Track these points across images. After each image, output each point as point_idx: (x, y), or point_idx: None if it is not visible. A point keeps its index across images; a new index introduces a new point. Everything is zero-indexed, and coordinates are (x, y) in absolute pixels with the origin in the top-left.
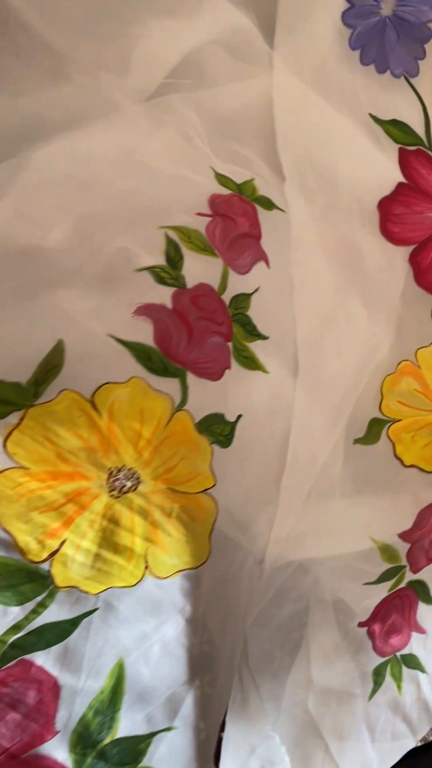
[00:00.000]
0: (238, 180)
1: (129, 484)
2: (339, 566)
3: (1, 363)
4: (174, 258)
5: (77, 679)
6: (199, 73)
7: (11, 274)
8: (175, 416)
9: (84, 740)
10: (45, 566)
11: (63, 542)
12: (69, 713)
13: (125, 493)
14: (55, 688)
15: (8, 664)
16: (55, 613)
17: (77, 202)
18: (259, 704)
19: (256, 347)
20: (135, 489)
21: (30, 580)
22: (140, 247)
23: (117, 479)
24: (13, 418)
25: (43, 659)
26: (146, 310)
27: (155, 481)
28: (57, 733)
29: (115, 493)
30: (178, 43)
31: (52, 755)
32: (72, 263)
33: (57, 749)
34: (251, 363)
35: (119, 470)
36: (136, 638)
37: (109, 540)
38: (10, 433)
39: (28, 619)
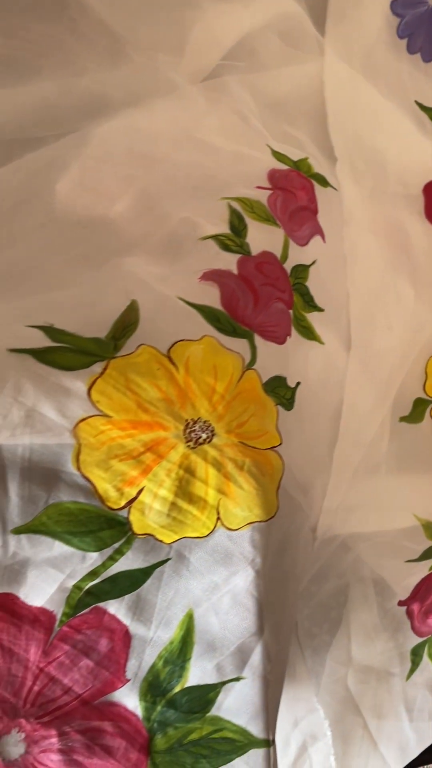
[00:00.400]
0: (294, 158)
1: (204, 435)
2: (382, 542)
3: (77, 321)
4: (238, 227)
5: (147, 629)
6: (252, 56)
7: (78, 242)
8: (246, 374)
9: (154, 689)
10: (123, 513)
11: (140, 490)
12: (139, 662)
13: (200, 444)
14: (126, 637)
15: (83, 611)
16: (129, 561)
17: (139, 175)
18: (306, 675)
19: (312, 318)
20: (209, 441)
21: (109, 526)
22: (203, 217)
23: (193, 430)
24: (97, 367)
25: (116, 608)
26: (213, 275)
27: (228, 435)
28: (127, 681)
29: (191, 443)
30: (233, 27)
31: (122, 702)
32: (136, 233)
33: (127, 697)
34: (308, 333)
35: (195, 422)
36: (206, 589)
37: (184, 489)
38: (94, 382)
39: (105, 565)
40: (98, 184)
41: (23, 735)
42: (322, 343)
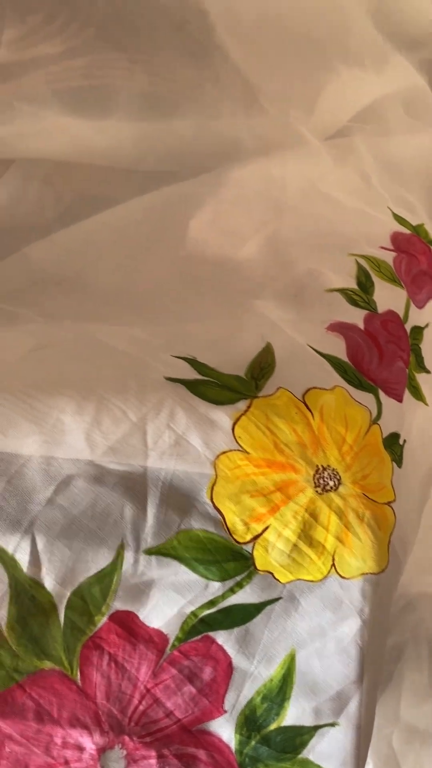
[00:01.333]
0: (413, 222)
1: (332, 483)
2: None
3: (215, 356)
4: (365, 284)
5: (250, 663)
6: (378, 121)
7: (207, 277)
8: (371, 428)
9: (250, 723)
10: (247, 548)
11: (266, 528)
12: (237, 695)
13: (327, 491)
14: (229, 668)
15: (194, 638)
16: (246, 595)
17: (269, 221)
18: None
19: (420, 379)
20: (336, 489)
21: (234, 558)
22: (330, 269)
23: (322, 477)
24: (242, 404)
25: (224, 639)
26: (340, 328)
27: (353, 486)
28: (224, 712)
29: (319, 489)
30: (364, 92)
31: (217, 732)
32: (263, 276)
33: (223, 727)
34: (417, 393)
35: (325, 469)
36: (312, 632)
37: (306, 533)
38: (239, 418)
39: (224, 596)
40: (230, 225)
41: (125, 752)
42: (426, 404)
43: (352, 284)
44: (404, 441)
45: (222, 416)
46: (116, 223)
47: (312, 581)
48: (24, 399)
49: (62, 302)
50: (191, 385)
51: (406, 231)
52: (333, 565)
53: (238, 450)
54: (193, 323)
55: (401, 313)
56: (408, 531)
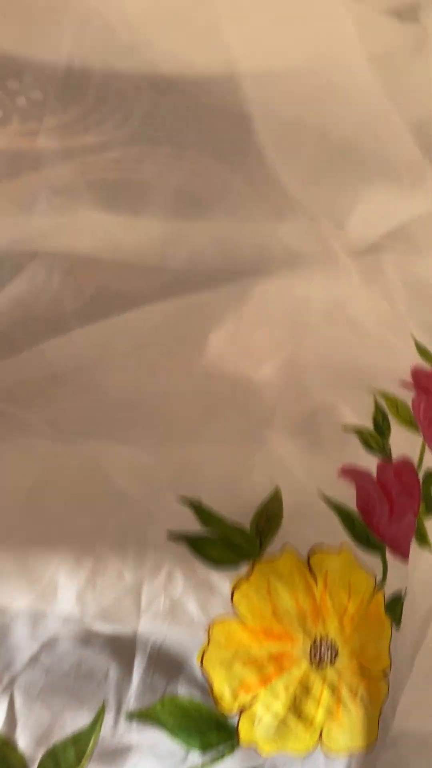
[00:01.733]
0: None
1: (328, 656)
2: (426, 742)
3: (221, 498)
4: (382, 426)
5: None
6: (408, 239)
7: (222, 397)
8: (375, 597)
9: None
10: (233, 719)
11: (255, 699)
12: None
13: (323, 664)
14: None
15: None
16: (226, 766)
17: (289, 343)
18: None
19: (429, 524)
20: (332, 663)
21: (218, 729)
22: (346, 404)
23: (319, 650)
24: (244, 568)
25: None
26: (352, 475)
27: (350, 659)
28: None
29: (314, 663)
30: (398, 209)
31: None
32: (278, 403)
33: None
34: (423, 539)
35: (322, 641)
36: None
37: (297, 706)
38: (239, 583)
39: (203, 766)
40: (249, 344)
41: None
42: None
43: (369, 424)
44: (406, 592)
45: (221, 581)
46: (136, 328)
47: (296, 754)
48: (19, 555)
49: (73, 408)
50: (193, 543)
51: (428, 367)
52: (320, 738)
53: (235, 617)
54: (204, 448)
55: (415, 460)
56: (399, 691)
